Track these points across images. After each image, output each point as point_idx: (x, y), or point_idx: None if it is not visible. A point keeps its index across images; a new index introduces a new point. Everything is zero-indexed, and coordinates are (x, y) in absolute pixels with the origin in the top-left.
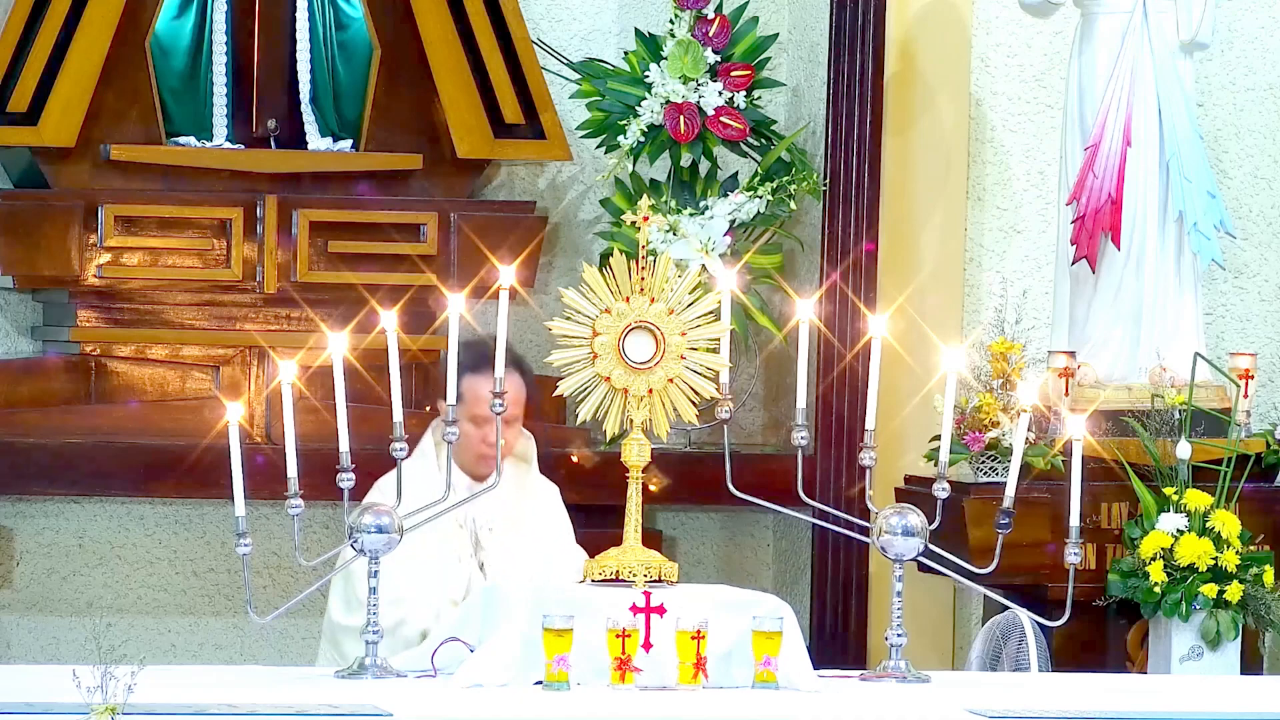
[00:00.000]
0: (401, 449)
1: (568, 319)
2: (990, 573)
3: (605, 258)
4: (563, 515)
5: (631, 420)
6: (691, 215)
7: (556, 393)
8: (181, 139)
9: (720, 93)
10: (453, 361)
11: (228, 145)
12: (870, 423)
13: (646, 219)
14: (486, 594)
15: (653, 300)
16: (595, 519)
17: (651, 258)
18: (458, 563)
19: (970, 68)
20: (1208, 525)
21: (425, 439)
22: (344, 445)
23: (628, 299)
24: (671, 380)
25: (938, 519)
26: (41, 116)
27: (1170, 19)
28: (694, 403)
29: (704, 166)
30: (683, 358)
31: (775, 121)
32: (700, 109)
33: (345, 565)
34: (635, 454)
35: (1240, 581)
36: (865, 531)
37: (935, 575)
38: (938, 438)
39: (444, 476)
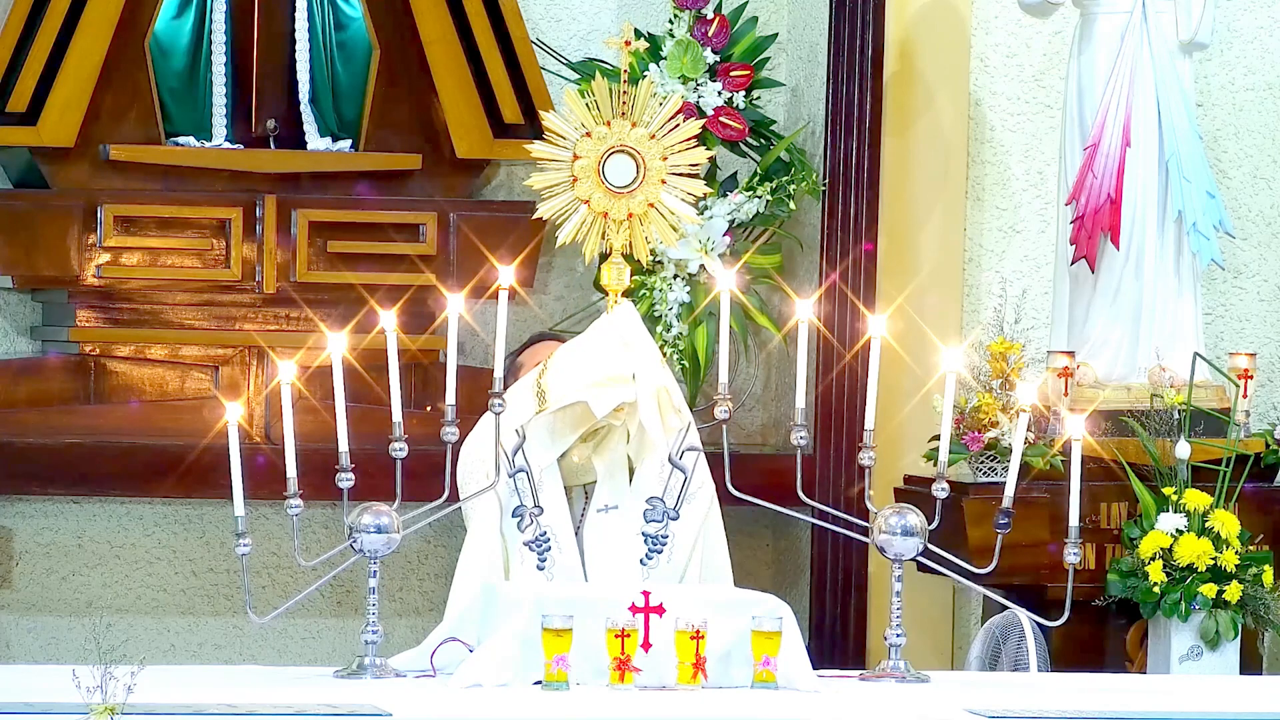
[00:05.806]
0: (401, 449)
1: (548, 141)
2: (989, 573)
3: (587, 84)
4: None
5: (611, 244)
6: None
7: (536, 216)
8: (181, 139)
9: (719, 93)
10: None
11: (227, 145)
12: (869, 423)
13: (628, 43)
14: (486, 594)
15: (634, 125)
16: None
17: (633, 82)
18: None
19: (969, 68)
20: (1207, 525)
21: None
22: (343, 445)
23: (609, 123)
24: (652, 205)
25: (937, 519)
26: (41, 116)
27: (1169, 19)
28: (673, 227)
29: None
30: (663, 182)
31: (774, 121)
32: (699, 109)
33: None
34: (614, 278)
35: (1239, 581)
36: (864, 531)
37: (935, 575)
38: (937, 438)
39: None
